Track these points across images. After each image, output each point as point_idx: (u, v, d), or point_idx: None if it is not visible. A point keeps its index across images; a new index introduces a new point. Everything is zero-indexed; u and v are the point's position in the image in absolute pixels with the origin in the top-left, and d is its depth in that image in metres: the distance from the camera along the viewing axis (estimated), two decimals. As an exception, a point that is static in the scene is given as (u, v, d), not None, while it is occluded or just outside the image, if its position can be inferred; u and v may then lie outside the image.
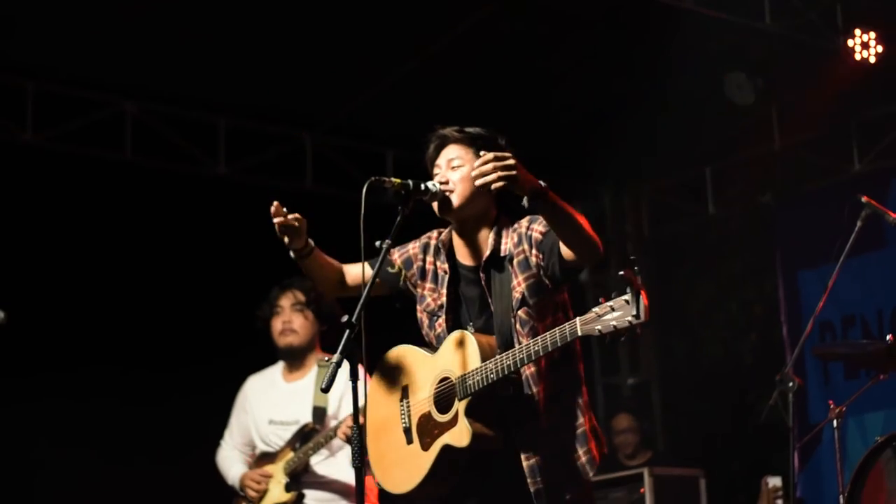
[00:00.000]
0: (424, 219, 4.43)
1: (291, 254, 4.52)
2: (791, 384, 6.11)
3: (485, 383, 4.19)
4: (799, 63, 8.23)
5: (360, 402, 4.12)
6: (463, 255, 4.45)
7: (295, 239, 4.45)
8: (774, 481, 7.71)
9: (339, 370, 3.95)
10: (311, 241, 4.49)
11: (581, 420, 4.33)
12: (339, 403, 6.27)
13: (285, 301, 6.49)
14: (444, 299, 4.41)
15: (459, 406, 4.25)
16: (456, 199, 4.34)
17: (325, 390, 3.92)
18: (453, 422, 4.25)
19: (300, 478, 6.32)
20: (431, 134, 4.48)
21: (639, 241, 10.39)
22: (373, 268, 4.37)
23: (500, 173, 3.99)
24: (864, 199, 6.10)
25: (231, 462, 6.60)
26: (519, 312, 4.26)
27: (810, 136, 9.04)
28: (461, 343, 4.29)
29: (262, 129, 8.85)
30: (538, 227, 4.29)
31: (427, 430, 4.33)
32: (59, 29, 7.54)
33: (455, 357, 4.29)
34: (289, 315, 6.46)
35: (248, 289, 7.24)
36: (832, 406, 5.87)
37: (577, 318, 3.99)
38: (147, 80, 8.25)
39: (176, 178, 8.53)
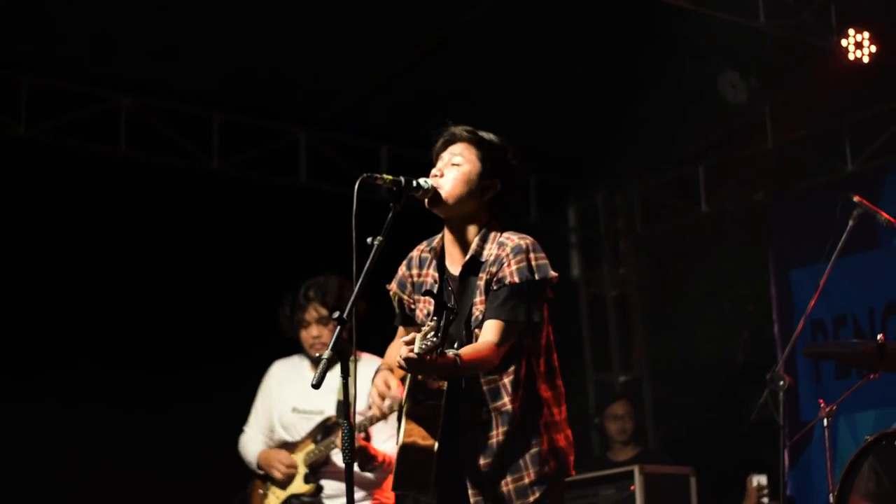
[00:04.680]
0: (417, 215, 4.42)
1: None
2: (781, 383, 6.09)
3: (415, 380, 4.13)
4: (793, 62, 8.24)
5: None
6: (451, 260, 4.40)
7: None
8: (760, 479, 7.69)
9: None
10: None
11: (537, 440, 4.25)
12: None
13: (309, 317, 6.42)
14: (430, 307, 4.27)
15: (405, 405, 4.21)
16: (445, 195, 4.30)
17: (316, 387, 3.91)
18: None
19: (319, 469, 6.33)
20: (444, 129, 4.43)
21: (631, 239, 10.39)
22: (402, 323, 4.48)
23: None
24: (856, 198, 6.09)
25: (255, 444, 6.56)
26: (475, 329, 4.22)
27: (803, 134, 9.05)
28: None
29: (256, 123, 8.84)
30: (513, 267, 4.22)
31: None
32: (53, 22, 7.53)
33: None
34: (317, 330, 6.39)
35: (242, 283, 7.26)
36: (823, 405, 5.88)
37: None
38: (141, 75, 8.24)
39: (170, 172, 8.51)
